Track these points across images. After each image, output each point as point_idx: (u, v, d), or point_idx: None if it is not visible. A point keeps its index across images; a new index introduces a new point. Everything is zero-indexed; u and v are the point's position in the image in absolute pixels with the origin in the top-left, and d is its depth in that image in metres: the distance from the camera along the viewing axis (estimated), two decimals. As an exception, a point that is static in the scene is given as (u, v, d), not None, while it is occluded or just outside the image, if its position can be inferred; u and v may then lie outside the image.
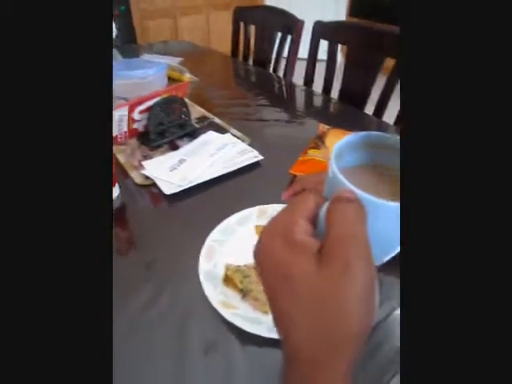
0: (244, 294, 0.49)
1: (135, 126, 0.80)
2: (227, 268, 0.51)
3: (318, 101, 1.16)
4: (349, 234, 0.22)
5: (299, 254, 0.22)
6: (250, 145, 0.81)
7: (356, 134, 0.29)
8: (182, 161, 0.74)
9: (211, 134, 0.83)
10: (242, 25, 1.47)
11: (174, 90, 0.81)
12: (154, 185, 0.71)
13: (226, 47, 1.85)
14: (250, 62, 1.49)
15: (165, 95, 0.78)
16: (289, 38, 1.26)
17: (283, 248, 0.23)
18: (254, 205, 0.64)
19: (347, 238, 0.22)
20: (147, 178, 0.71)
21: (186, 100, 0.86)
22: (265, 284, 0.24)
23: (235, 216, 0.60)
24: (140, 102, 0.76)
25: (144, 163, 0.75)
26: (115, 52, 1.38)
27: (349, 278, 0.21)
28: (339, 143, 0.28)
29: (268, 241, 0.24)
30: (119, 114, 0.74)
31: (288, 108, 1.09)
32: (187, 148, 0.78)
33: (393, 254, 0.28)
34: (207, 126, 0.90)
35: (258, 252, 0.24)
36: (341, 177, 0.24)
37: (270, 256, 0.23)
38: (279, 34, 1.31)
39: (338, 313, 0.21)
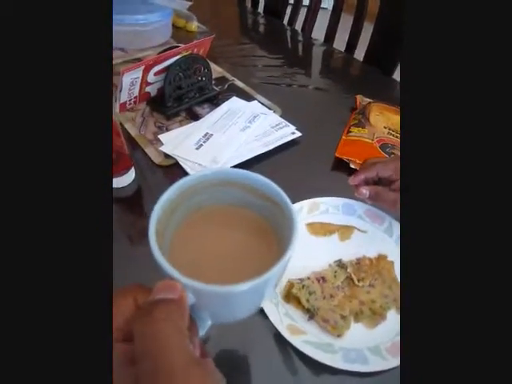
0: (311, 314, 0.41)
1: (148, 89, 0.66)
2: (291, 284, 0.42)
3: (341, 62, 1.03)
4: (162, 366, 0.17)
5: None
6: (281, 117, 0.70)
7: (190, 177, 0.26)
8: (207, 136, 0.62)
9: (236, 101, 0.71)
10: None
11: (196, 47, 0.67)
12: (177, 165, 0.59)
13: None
14: (260, 9, 1.31)
15: (185, 53, 0.65)
16: (311, -16, 1.10)
17: None
18: (298, 194, 0.54)
19: (161, 375, 0.17)
20: (167, 156, 0.60)
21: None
22: None
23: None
24: (157, 62, 0.62)
25: (161, 137, 0.63)
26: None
27: None
28: (162, 203, 0.24)
29: None
30: (132, 77, 0.60)
31: (310, 70, 0.96)
32: (211, 119, 0.66)
33: (247, 314, 0.25)
34: (228, 89, 0.77)
35: None
36: (162, 261, 0.20)
37: None
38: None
39: None
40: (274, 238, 0.25)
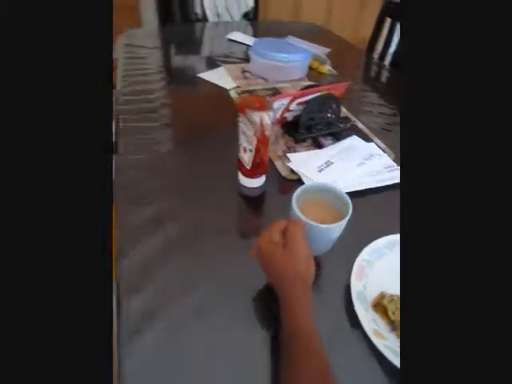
0: (394, 326, 0.49)
1: (286, 115, 0.80)
2: (382, 296, 0.50)
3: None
4: (294, 238, 0.46)
5: (275, 247, 0.46)
6: (394, 161, 0.79)
7: (308, 185, 0.54)
8: (328, 163, 0.73)
9: (356, 140, 0.82)
10: (388, 20, 1.40)
11: (333, 89, 0.80)
12: (299, 180, 0.71)
13: (344, 32, 1.77)
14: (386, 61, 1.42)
15: (324, 92, 0.78)
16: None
17: (268, 245, 0.46)
18: (395, 229, 0.62)
19: (294, 239, 0.46)
20: (293, 171, 0.72)
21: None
22: (261, 260, 0.48)
23: (383, 239, 0.59)
24: (302, 95, 0.76)
25: (289, 155, 0.76)
26: (247, 25, 1.37)
27: (296, 255, 0.45)
28: (299, 190, 0.53)
29: (262, 242, 0.47)
30: (279, 103, 0.75)
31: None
32: (333, 150, 0.78)
33: (325, 250, 0.55)
34: (350, 128, 0.88)
35: (258, 245, 0.47)
36: (296, 210, 0.49)
37: (263, 248, 0.47)
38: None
39: (295, 269, 0.45)
40: (340, 217, 0.50)
